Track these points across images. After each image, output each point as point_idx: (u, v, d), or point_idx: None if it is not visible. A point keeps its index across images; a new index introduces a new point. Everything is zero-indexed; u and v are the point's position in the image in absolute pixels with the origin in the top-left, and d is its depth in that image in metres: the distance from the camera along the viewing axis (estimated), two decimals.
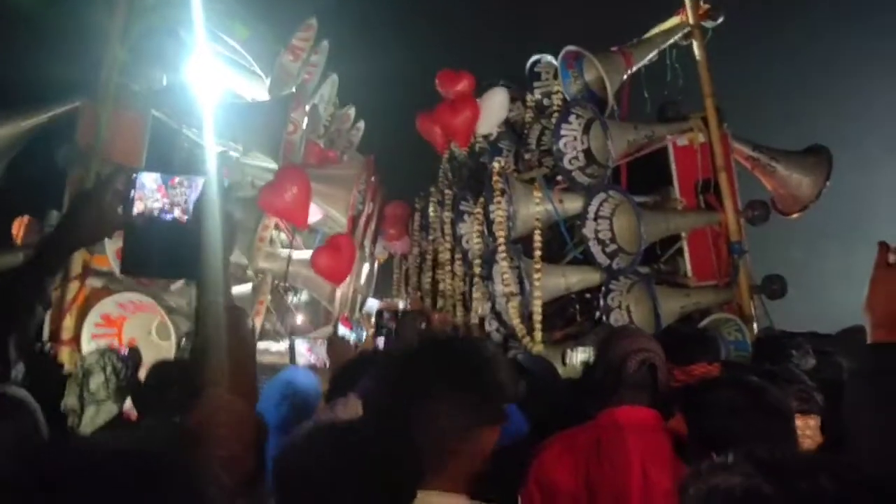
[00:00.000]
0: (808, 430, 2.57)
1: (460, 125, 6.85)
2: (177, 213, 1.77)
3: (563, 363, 4.55)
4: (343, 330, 4.16)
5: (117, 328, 5.64)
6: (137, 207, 1.76)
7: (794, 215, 6.79)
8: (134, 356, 3.84)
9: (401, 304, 8.24)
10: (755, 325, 6.00)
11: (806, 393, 2.69)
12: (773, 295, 6.18)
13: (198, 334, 1.67)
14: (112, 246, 5.06)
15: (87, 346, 5.31)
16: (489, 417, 1.69)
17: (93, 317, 5.47)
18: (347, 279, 6.49)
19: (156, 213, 1.76)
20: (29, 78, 5.75)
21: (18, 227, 6.45)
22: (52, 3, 5.55)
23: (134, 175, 1.78)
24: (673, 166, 6.36)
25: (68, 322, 5.37)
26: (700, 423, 2.10)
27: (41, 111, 5.71)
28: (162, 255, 1.76)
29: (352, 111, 8.60)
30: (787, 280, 6.23)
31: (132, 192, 1.76)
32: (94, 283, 5.44)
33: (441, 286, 7.75)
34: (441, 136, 7.10)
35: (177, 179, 1.79)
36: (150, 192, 1.78)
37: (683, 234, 6.24)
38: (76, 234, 1.78)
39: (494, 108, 6.78)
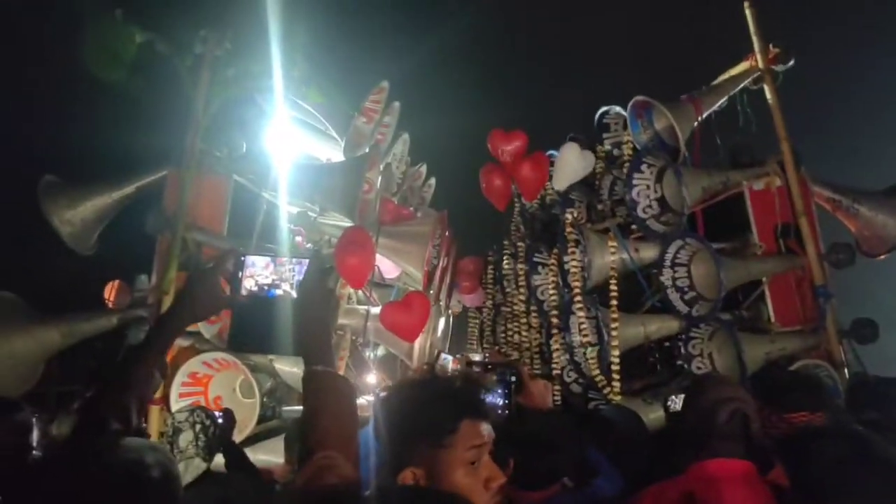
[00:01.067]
0: None
1: (531, 182, 6.86)
2: (285, 287, 1.88)
3: (665, 409, 4.43)
4: None
5: (203, 386, 5.79)
6: (245, 286, 1.88)
7: (882, 256, 6.56)
8: (228, 417, 3.95)
9: (477, 357, 8.22)
10: (846, 371, 5.79)
11: None
12: (864, 339, 5.95)
13: (306, 401, 1.75)
14: None
15: (176, 404, 5.47)
16: None
17: (180, 376, 5.63)
18: (422, 334, 6.53)
19: (265, 288, 1.88)
20: (119, 150, 6.07)
21: (110, 291, 6.73)
22: (139, 78, 5.88)
23: (243, 257, 1.90)
24: (750, 211, 6.27)
25: (158, 379, 5.54)
26: (803, 476, 2.01)
27: (131, 181, 6.02)
28: (267, 331, 1.86)
29: (423, 168, 8.74)
30: (879, 323, 6.01)
31: (240, 272, 1.88)
32: (182, 342, 5.61)
33: (517, 338, 7.73)
34: (505, 191, 7.12)
35: (284, 259, 1.91)
36: (260, 270, 1.90)
37: (764, 280, 6.11)
38: (190, 312, 1.94)
39: (572, 164, 6.82)
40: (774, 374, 4.46)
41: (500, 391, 2.69)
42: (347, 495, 1.45)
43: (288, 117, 6.45)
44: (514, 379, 2.85)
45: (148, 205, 5.94)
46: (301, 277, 1.89)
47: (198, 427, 3.61)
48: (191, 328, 5.68)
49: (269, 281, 1.90)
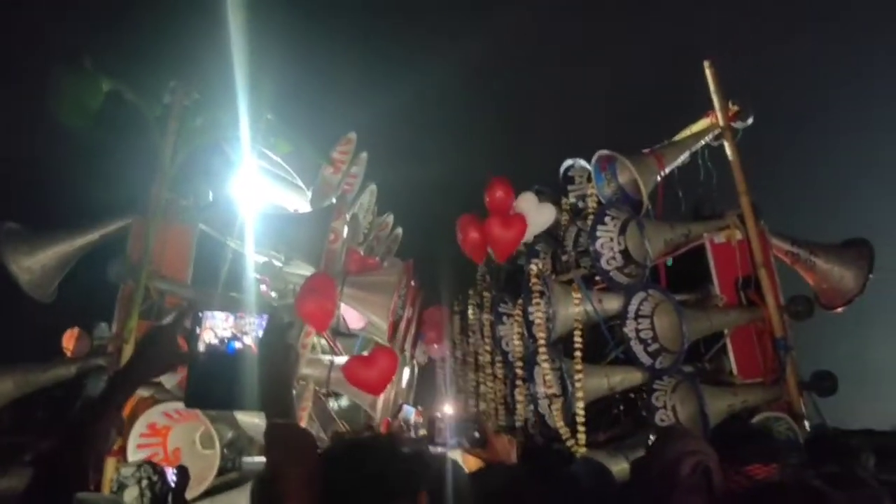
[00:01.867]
0: None
1: (508, 240, 6.81)
2: (245, 340, 1.89)
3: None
4: None
5: (162, 437, 5.66)
6: (204, 340, 1.88)
7: (839, 309, 6.68)
8: (182, 474, 3.85)
9: (447, 409, 8.20)
10: (806, 424, 5.84)
11: (876, 498, 2.59)
12: (824, 391, 6.03)
13: (268, 454, 1.74)
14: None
15: (133, 455, 5.34)
16: None
17: (139, 426, 5.50)
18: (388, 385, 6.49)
19: (224, 341, 1.88)
20: (84, 196, 6.03)
21: (69, 339, 6.60)
22: (106, 126, 5.86)
23: (200, 314, 1.91)
24: (712, 264, 6.37)
25: (114, 436, 5.41)
26: None
27: (95, 228, 5.96)
28: (225, 386, 1.86)
29: (390, 218, 8.79)
30: (838, 375, 6.09)
31: (198, 328, 1.88)
32: (141, 392, 5.51)
33: (482, 389, 7.71)
34: (482, 247, 7.05)
35: (245, 315, 1.92)
36: (220, 323, 1.90)
37: (726, 332, 6.18)
38: (146, 369, 1.94)
39: (541, 220, 6.85)
40: (728, 429, 4.49)
41: None
42: None
43: (255, 167, 6.45)
44: (477, 434, 2.84)
45: (110, 252, 5.88)
46: (261, 332, 1.90)
47: (143, 483, 3.52)
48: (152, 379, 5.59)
49: (228, 334, 1.90)
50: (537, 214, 6.81)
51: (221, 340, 1.90)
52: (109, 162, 6.19)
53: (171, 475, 3.74)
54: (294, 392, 6.33)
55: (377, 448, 2.01)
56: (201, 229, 6.14)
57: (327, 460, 1.90)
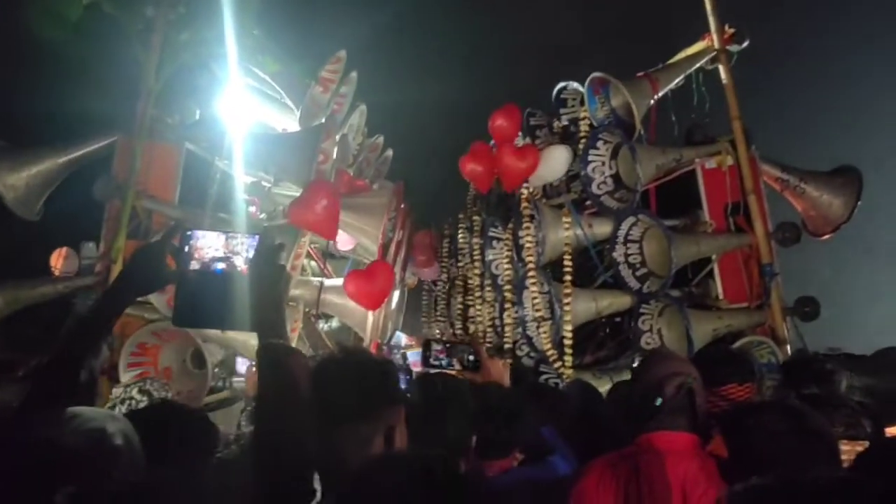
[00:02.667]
0: (854, 455, 2.53)
1: (521, 171, 6.55)
2: (237, 261, 1.87)
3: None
4: None
5: (152, 357, 5.72)
6: (195, 260, 1.86)
7: (826, 236, 6.72)
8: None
9: (436, 332, 8.28)
10: (788, 348, 5.95)
11: (853, 418, 2.64)
12: (806, 317, 6.11)
13: (261, 374, 1.75)
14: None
15: (124, 374, 5.40)
16: None
17: (129, 346, 5.55)
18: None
19: (215, 262, 1.86)
20: (67, 113, 5.90)
21: (56, 258, 6.58)
22: (87, 41, 5.70)
23: (189, 232, 1.88)
24: (702, 189, 6.36)
25: (105, 352, 5.44)
26: (741, 448, 2.08)
27: (78, 146, 5.87)
28: (214, 306, 1.85)
29: (381, 140, 8.68)
30: (821, 301, 6.17)
31: (186, 247, 1.86)
32: (130, 312, 5.53)
33: (471, 312, 7.77)
34: (489, 177, 6.84)
35: (236, 235, 1.90)
36: (210, 243, 1.88)
37: (714, 257, 6.22)
38: (134, 287, 1.93)
39: (557, 167, 6.65)
40: (705, 352, 4.57)
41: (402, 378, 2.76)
42: None
43: (242, 85, 6.33)
44: (472, 358, 2.89)
45: (97, 171, 5.81)
46: (252, 252, 1.88)
47: (130, 404, 3.54)
48: (140, 298, 5.60)
49: (220, 255, 1.88)
50: (558, 159, 6.64)
51: (212, 260, 1.88)
52: (92, 78, 6.06)
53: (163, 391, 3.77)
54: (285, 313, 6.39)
55: (363, 361, 2.05)
56: (188, 148, 6.06)
57: (315, 373, 1.94)
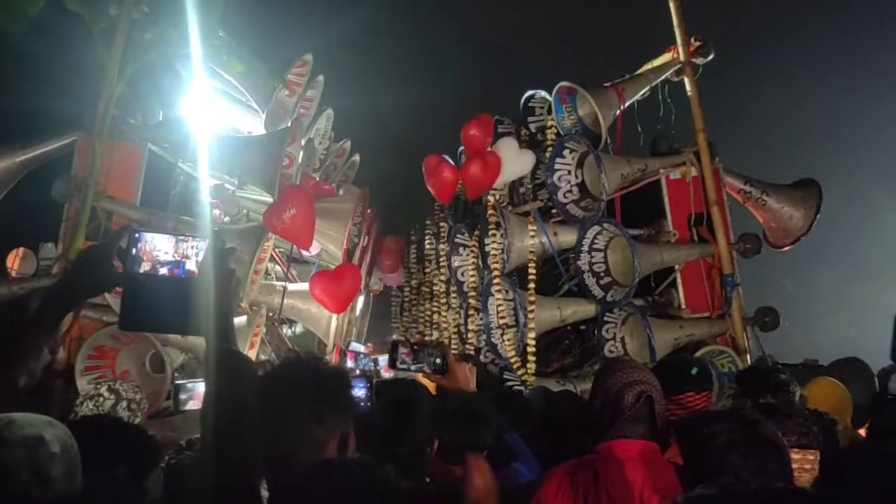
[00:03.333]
0: (806, 464, 2.56)
1: (484, 181, 6.47)
2: (188, 264, 1.83)
3: None
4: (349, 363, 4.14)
5: (110, 360, 5.60)
6: (141, 263, 1.82)
7: (786, 248, 6.83)
8: None
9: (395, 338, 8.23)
10: (748, 357, 6.02)
11: (805, 427, 2.69)
12: (766, 327, 6.21)
13: (208, 379, 1.72)
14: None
15: (81, 378, 5.29)
16: None
17: (86, 349, 5.44)
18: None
19: (164, 265, 1.82)
20: (26, 112, 5.79)
21: (13, 259, 6.44)
22: (48, 38, 5.59)
23: (137, 234, 1.84)
24: (666, 200, 6.43)
25: (61, 355, 5.34)
26: (695, 456, 2.10)
27: (38, 145, 5.75)
28: (162, 311, 1.81)
29: (347, 145, 8.65)
30: (782, 312, 6.26)
31: (134, 249, 1.82)
32: (89, 314, 5.42)
33: (436, 318, 7.76)
34: (452, 188, 6.77)
35: (188, 239, 1.86)
36: (160, 246, 1.84)
37: (677, 267, 6.28)
38: (79, 289, 1.87)
39: (518, 167, 6.62)
40: (664, 361, 4.60)
41: (362, 384, 2.74)
42: None
43: (207, 86, 6.25)
44: (439, 361, 2.88)
45: (56, 170, 5.69)
46: (202, 257, 1.85)
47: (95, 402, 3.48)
48: (99, 301, 5.50)
49: (169, 258, 1.84)
50: (518, 158, 6.62)
51: (161, 263, 1.85)
52: (52, 75, 5.94)
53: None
54: (245, 318, 6.32)
55: (317, 367, 2.04)
56: (150, 149, 5.96)
57: (269, 379, 1.93)
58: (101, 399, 3.43)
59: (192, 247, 1.84)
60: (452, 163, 6.86)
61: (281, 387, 1.92)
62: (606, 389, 2.48)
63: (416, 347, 2.96)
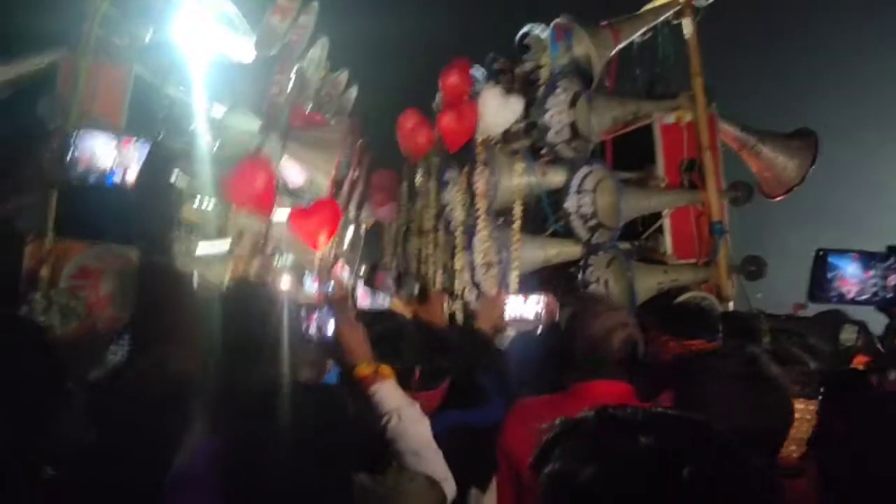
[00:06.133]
0: (807, 414, 2.39)
1: (461, 132, 6.48)
2: (128, 174, 1.80)
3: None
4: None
5: (94, 280, 5.63)
6: (80, 167, 1.79)
7: (778, 198, 6.78)
8: None
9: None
10: (731, 305, 6.02)
11: (806, 376, 2.60)
12: (752, 276, 6.19)
13: (142, 291, 1.72)
14: None
15: None
16: None
17: (70, 269, 5.46)
18: (328, 243, 6.49)
19: (103, 173, 1.79)
20: (7, 29, 5.68)
21: None
22: None
23: (74, 134, 1.80)
24: (658, 144, 6.35)
25: (44, 273, 5.36)
26: (694, 391, 1.98)
27: (19, 64, 5.67)
28: (98, 218, 1.79)
29: (344, 76, 8.53)
30: (771, 262, 6.23)
31: (70, 152, 1.78)
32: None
33: (424, 254, 7.77)
34: (425, 145, 6.63)
35: (131, 142, 1.82)
36: (101, 151, 1.80)
37: (665, 212, 6.24)
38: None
39: (494, 113, 6.46)
40: (679, 305, 4.59)
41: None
42: None
43: (197, 7, 6.13)
44: (418, 290, 2.94)
45: (40, 90, 5.62)
46: (142, 165, 1.82)
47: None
48: None
49: (108, 165, 1.81)
50: (502, 110, 6.49)
51: (99, 168, 1.82)
52: None
53: None
54: (228, 244, 6.33)
55: (261, 294, 2.03)
56: (137, 72, 5.88)
57: (222, 299, 1.92)
58: (35, 303, 3.45)
59: (134, 151, 1.81)
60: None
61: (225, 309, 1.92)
62: (590, 334, 2.41)
63: (400, 273, 2.98)
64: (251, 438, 1.49)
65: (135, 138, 1.80)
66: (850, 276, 1.70)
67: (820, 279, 1.72)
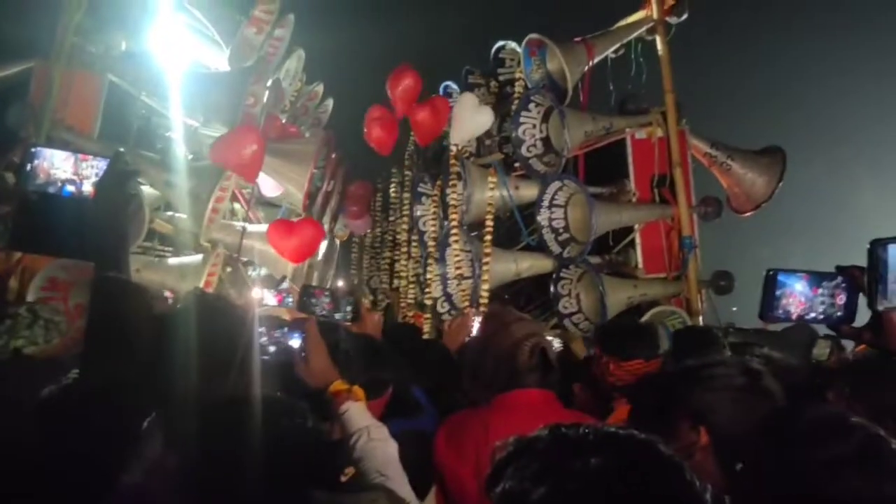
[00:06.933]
0: None
1: (432, 125, 6.33)
2: (86, 184, 1.78)
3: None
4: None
5: (62, 292, 5.58)
6: (35, 179, 1.76)
7: (747, 214, 6.86)
8: None
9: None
10: (701, 320, 6.07)
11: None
12: (721, 290, 6.26)
13: (93, 307, 1.69)
14: None
15: None
16: None
17: (38, 280, 5.41)
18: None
19: (60, 184, 1.77)
20: None
21: None
22: None
23: (34, 149, 1.78)
24: (630, 159, 6.40)
25: (13, 284, 5.31)
26: (699, 398, 1.86)
27: None
28: (54, 231, 1.76)
29: (320, 88, 8.55)
30: (745, 276, 6.28)
31: (30, 165, 1.76)
32: None
33: (397, 266, 7.78)
34: (388, 138, 6.56)
35: (89, 157, 1.80)
36: (59, 164, 1.78)
37: (636, 227, 6.29)
38: None
39: (467, 119, 6.43)
40: (615, 324, 4.59)
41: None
42: None
43: (173, 18, 6.14)
44: (349, 308, 2.89)
45: (11, 96, 5.59)
46: (100, 178, 1.79)
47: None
48: None
49: (66, 177, 1.79)
50: (474, 116, 6.49)
51: (56, 181, 1.80)
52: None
53: None
54: (202, 256, 6.30)
55: (223, 307, 2.01)
56: (111, 81, 5.86)
57: (178, 314, 1.90)
58: (20, 318, 3.41)
59: (91, 166, 1.79)
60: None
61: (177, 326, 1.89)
62: (497, 349, 2.39)
63: (331, 294, 2.95)
64: (206, 455, 1.49)
65: (92, 155, 1.77)
66: (799, 294, 1.73)
67: (769, 298, 1.74)
